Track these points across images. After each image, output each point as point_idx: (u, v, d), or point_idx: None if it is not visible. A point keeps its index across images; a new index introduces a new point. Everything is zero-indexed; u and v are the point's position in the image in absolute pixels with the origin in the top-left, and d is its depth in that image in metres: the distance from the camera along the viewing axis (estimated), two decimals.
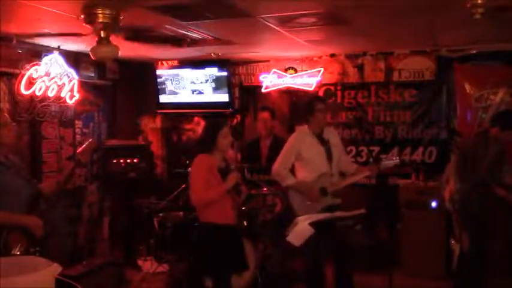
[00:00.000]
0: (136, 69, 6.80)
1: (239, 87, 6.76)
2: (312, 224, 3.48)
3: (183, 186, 5.22)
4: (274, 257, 5.17)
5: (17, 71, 5.09)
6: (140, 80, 6.92)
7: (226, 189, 3.63)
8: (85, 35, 4.53)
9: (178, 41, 5.07)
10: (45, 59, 5.34)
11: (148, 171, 6.23)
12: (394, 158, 4.31)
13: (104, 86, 6.42)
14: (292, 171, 4.40)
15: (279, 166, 4.32)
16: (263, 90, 6.52)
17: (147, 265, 5.49)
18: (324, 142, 4.29)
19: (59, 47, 5.38)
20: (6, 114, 3.52)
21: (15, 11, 3.85)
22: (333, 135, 4.37)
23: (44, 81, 5.31)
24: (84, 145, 3.83)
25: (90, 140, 3.96)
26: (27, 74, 5.14)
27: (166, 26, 4.42)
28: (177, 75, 6.61)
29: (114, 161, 5.97)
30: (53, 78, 5.42)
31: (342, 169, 4.38)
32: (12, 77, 5.06)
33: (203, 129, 3.93)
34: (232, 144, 3.83)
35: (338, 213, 3.94)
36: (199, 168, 3.65)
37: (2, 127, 3.33)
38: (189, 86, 6.58)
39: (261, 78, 6.53)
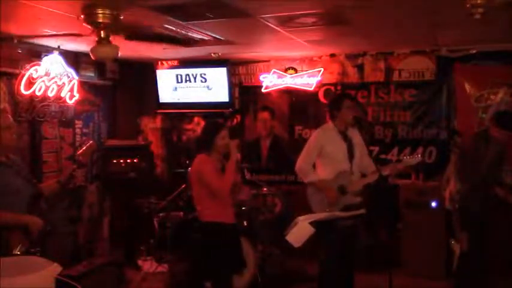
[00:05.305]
0: (136, 69, 6.80)
1: (239, 87, 6.76)
2: (312, 224, 3.49)
3: (183, 186, 5.22)
4: (274, 257, 5.17)
5: (17, 71, 5.09)
6: (140, 80, 6.91)
7: (234, 161, 3.69)
8: (85, 35, 4.53)
9: (180, 41, 5.06)
10: (45, 59, 5.34)
11: (148, 171, 6.23)
12: (417, 156, 4.25)
13: (104, 86, 6.42)
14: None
15: (302, 162, 4.25)
16: (263, 90, 6.52)
17: (147, 265, 5.49)
18: (346, 139, 4.22)
19: (59, 47, 5.38)
20: (9, 116, 3.50)
21: (15, 11, 3.85)
22: (356, 136, 4.27)
23: (44, 81, 5.31)
24: (84, 147, 3.82)
25: (91, 142, 3.94)
26: (27, 74, 5.14)
27: (167, 26, 4.42)
28: (177, 75, 6.61)
29: (114, 161, 5.97)
30: (52, 78, 5.42)
31: (363, 170, 4.27)
32: (12, 77, 5.06)
33: (202, 130, 3.98)
34: (237, 145, 3.82)
35: (338, 213, 3.94)
36: (206, 166, 3.67)
37: (5, 129, 3.32)
38: (189, 86, 6.58)
39: (261, 78, 6.53)
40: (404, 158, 4.38)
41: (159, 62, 6.60)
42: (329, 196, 4.09)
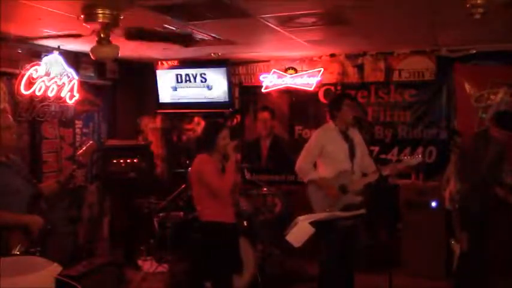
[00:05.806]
0: (136, 69, 6.80)
1: (239, 87, 6.76)
2: (312, 224, 3.49)
3: (183, 186, 5.22)
4: (274, 257, 5.17)
5: (17, 71, 5.09)
6: (140, 80, 6.91)
7: (233, 161, 3.72)
8: (85, 35, 4.53)
9: (182, 40, 5.05)
10: (45, 59, 5.34)
11: (148, 171, 6.23)
12: (417, 157, 4.24)
13: (104, 86, 6.42)
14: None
15: (302, 161, 4.25)
16: (263, 90, 6.52)
17: (147, 265, 5.48)
18: (348, 139, 4.22)
19: (59, 47, 5.38)
20: (9, 116, 3.50)
21: (15, 11, 3.85)
22: (356, 135, 4.27)
23: (44, 81, 5.30)
24: (84, 147, 3.82)
25: (91, 142, 3.94)
26: (27, 74, 5.14)
27: (166, 26, 4.42)
28: (177, 75, 6.60)
29: (114, 161, 5.97)
30: (52, 78, 5.42)
31: (364, 170, 4.27)
32: (12, 77, 5.06)
33: (203, 130, 3.98)
34: (237, 146, 3.83)
35: (338, 213, 3.95)
36: (206, 166, 3.68)
37: (5, 129, 3.32)
38: (189, 86, 6.58)
39: (261, 78, 6.53)
40: (405, 158, 4.38)
41: (159, 62, 6.60)
42: (330, 194, 4.09)
